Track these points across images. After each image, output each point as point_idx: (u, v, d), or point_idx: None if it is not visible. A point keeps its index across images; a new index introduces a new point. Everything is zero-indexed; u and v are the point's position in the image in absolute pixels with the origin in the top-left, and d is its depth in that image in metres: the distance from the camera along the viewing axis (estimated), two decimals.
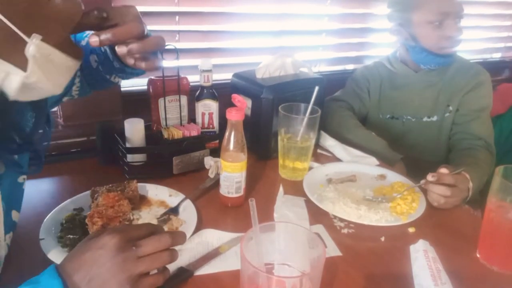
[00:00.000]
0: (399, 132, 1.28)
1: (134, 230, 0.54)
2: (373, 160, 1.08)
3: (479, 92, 1.21)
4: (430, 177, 0.84)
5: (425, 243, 0.71)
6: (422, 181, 0.87)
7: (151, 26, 1.14)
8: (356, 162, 1.07)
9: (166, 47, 0.94)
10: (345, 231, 0.80)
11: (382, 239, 0.78)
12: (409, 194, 0.88)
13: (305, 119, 0.94)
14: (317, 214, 0.84)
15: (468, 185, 0.90)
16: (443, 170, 0.86)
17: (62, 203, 0.80)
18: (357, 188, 0.94)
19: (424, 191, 0.89)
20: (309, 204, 0.87)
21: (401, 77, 1.26)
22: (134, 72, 0.77)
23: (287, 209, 0.85)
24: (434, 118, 1.25)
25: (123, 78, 0.81)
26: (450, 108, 1.23)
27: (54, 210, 0.78)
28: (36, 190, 0.91)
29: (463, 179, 0.89)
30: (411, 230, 0.80)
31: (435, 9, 1.13)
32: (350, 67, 1.61)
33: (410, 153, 1.18)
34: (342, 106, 1.29)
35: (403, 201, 0.86)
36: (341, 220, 0.82)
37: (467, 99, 1.21)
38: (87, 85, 0.83)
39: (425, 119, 1.26)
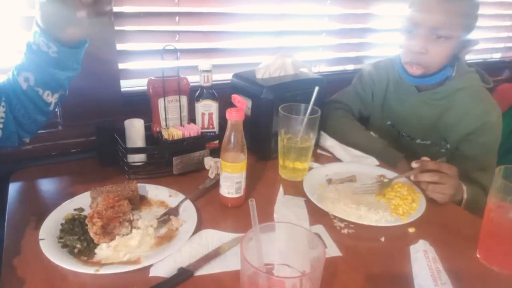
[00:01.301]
0: (398, 143, 1.22)
1: None
2: (373, 160, 1.08)
3: (485, 136, 1.06)
4: (414, 163, 0.88)
5: (425, 243, 0.72)
6: (408, 173, 0.90)
7: (151, 27, 1.15)
8: (356, 163, 1.07)
9: (166, 47, 0.94)
10: (345, 231, 0.80)
11: (382, 239, 0.78)
12: (409, 194, 0.88)
13: (305, 120, 0.94)
14: (317, 215, 0.84)
15: (458, 180, 0.90)
16: (425, 158, 0.89)
17: (62, 203, 0.80)
18: (356, 188, 0.93)
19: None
20: (309, 204, 0.87)
21: (404, 89, 1.17)
22: (73, 52, 0.74)
23: (287, 209, 0.85)
24: (428, 142, 1.18)
25: (61, 83, 0.77)
26: (448, 145, 1.13)
27: (54, 211, 0.78)
28: (36, 190, 0.91)
29: (449, 166, 0.88)
30: (411, 230, 0.80)
31: (409, 16, 1.03)
32: (350, 67, 1.61)
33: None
34: (338, 108, 1.27)
35: (403, 201, 0.86)
36: (341, 220, 0.82)
37: (469, 142, 1.08)
38: (13, 121, 0.78)
39: (418, 141, 1.19)
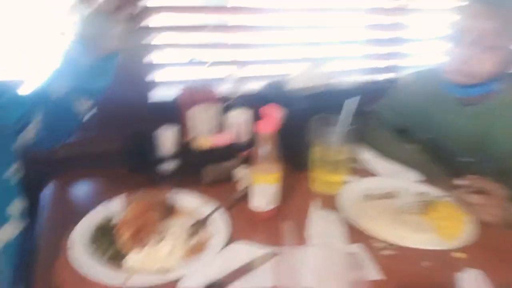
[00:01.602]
0: (439, 159, 1.11)
1: None
2: (414, 175, 1.02)
3: None
4: (457, 181, 0.84)
5: (475, 271, 0.65)
6: (453, 191, 0.85)
7: (180, 39, 1.15)
8: (395, 177, 1.01)
9: (195, 60, 0.95)
10: (384, 252, 0.74)
11: (426, 264, 0.72)
12: (455, 215, 0.81)
13: (339, 131, 0.90)
14: (354, 233, 0.79)
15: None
16: (470, 176, 0.84)
17: (93, 210, 0.80)
18: (396, 205, 0.88)
19: None
20: (345, 221, 0.82)
21: (446, 101, 1.09)
22: (104, 65, 0.76)
23: (321, 226, 0.80)
24: (472, 159, 1.07)
25: (94, 92, 0.79)
26: (494, 163, 1.03)
27: (85, 218, 0.78)
28: (68, 197, 0.92)
29: (497, 185, 0.82)
30: (459, 255, 0.74)
31: (456, 23, 0.97)
32: (385, 77, 1.55)
33: None
34: (374, 120, 1.21)
35: (449, 222, 0.79)
36: (380, 240, 0.76)
37: None
38: (46, 128, 0.79)
39: (461, 157, 1.09)
